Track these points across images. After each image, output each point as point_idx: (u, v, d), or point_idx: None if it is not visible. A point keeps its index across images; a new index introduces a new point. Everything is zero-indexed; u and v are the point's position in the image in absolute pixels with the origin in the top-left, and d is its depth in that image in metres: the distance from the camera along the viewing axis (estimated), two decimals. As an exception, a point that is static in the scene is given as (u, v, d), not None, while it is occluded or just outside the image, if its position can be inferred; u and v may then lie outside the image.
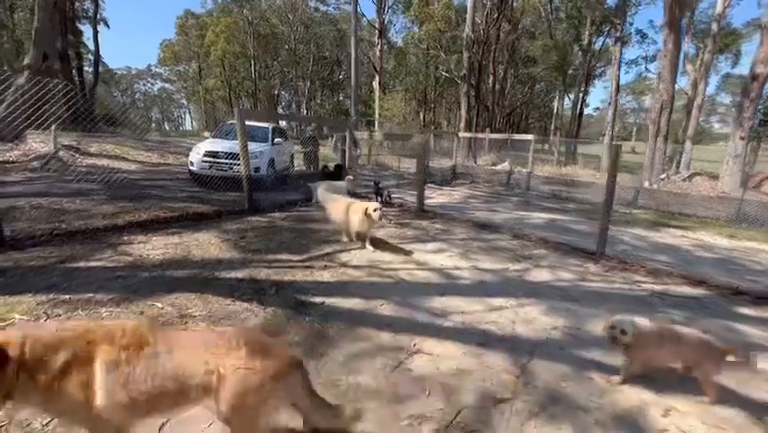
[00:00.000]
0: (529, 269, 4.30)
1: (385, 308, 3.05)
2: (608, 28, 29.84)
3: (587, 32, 25.20)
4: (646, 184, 16.08)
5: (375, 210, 4.57)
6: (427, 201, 8.02)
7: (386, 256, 4.45)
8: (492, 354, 2.47)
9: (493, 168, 19.83)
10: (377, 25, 28.99)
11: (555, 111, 52.30)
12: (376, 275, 3.80)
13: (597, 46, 30.36)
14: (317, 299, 3.12)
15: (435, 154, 18.86)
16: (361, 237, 4.87)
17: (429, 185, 11.90)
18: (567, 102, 38.69)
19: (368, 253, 4.50)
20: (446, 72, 30.39)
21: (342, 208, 4.97)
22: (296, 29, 41.42)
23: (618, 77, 19.15)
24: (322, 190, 5.59)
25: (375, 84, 29.77)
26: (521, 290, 3.60)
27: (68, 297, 2.90)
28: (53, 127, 9.38)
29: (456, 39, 29.49)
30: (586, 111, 37.66)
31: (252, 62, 41.66)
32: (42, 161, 8.82)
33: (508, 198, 10.41)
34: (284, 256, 4.19)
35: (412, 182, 12.19)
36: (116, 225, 4.78)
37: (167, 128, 62.24)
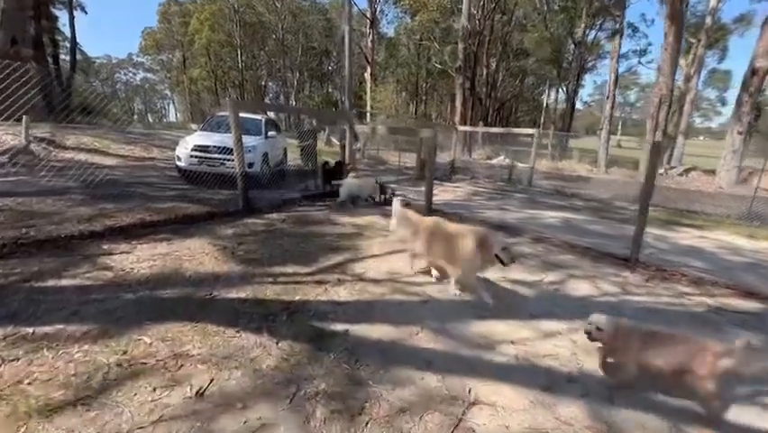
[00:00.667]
0: (565, 280, 3.86)
1: (421, 338, 2.57)
2: (600, 21, 29.68)
3: (582, 25, 24.90)
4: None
5: (504, 249, 2.90)
6: (433, 199, 7.56)
7: (404, 265, 3.96)
8: (566, 403, 2.01)
9: (489, 162, 19.49)
10: (368, 15, 28.19)
11: (545, 105, 52.37)
12: (399, 291, 3.31)
13: (589, 39, 30.22)
14: (339, 327, 2.62)
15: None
16: (464, 283, 3.26)
17: (430, 181, 11.44)
18: (557, 95, 38.60)
19: (384, 263, 4.01)
20: (440, 64, 29.81)
21: (437, 234, 3.34)
22: (283, 18, 40.20)
23: (617, 70, 18.90)
24: (397, 202, 4.15)
25: (366, 75, 29.03)
26: (566, 309, 3.16)
27: (30, 330, 2.33)
28: (25, 118, 8.57)
29: (450, 30, 28.91)
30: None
31: (239, 52, 40.37)
32: (10, 155, 8.03)
33: (512, 195, 10.01)
34: (290, 268, 3.67)
35: (411, 178, 11.73)
36: (94, 231, 4.17)
37: (150, 120, 60.21)
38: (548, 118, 52.54)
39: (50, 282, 2.98)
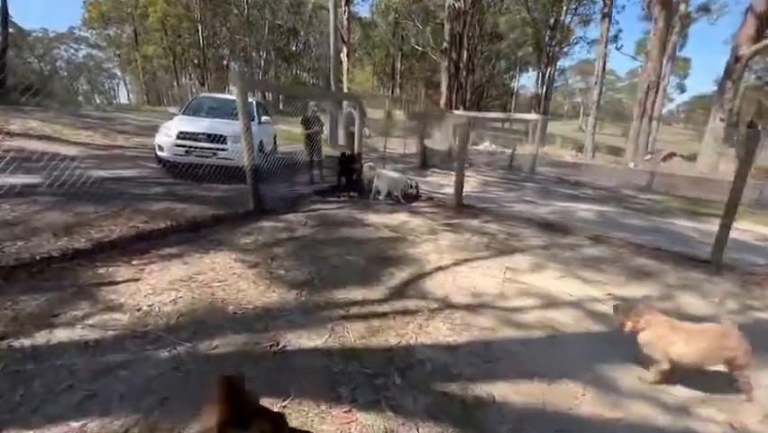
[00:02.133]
0: (672, 296, 3.34)
1: (592, 402, 1.92)
2: (575, 6, 29.74)
3: (564, 8, 24.74)
4: (631, 165, 16.12)
5: None
6: (446, 190, 6.98)
7: (483, 281, 3.29)
8: None
9: (476, 148, 19.12)
10: (343, -10, 26.57)
11: (516, 90, 52.79)
12: (509, 324, 2.64)
13: (564, 24, 30.28)
14: (477, 390, 1.92)
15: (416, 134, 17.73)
16: None
17: (433, 169, 10.81)
18: (538, 79, 38.80)
19: (459, 278, 3.32)
20: (419, 45, 28.82)
21: None
22: (248, -9, 37.45)
23: (605, 55, 18.86)
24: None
25: (342, 56, 27.58)
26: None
27: (29, 438, 1.46)
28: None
29: (427, 10, 27.95)
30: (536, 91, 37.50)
31: (200, 27, 37.30)
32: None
33: (523, 185, 9.57)
34: (356, 293, 2.89)
35: (413, 167, 11.03)
36: (80, 248, 3.16)
37: (98, 101, 54.95)
38: (518, 103, 53.04)
39: (40, 338, 2.06)
